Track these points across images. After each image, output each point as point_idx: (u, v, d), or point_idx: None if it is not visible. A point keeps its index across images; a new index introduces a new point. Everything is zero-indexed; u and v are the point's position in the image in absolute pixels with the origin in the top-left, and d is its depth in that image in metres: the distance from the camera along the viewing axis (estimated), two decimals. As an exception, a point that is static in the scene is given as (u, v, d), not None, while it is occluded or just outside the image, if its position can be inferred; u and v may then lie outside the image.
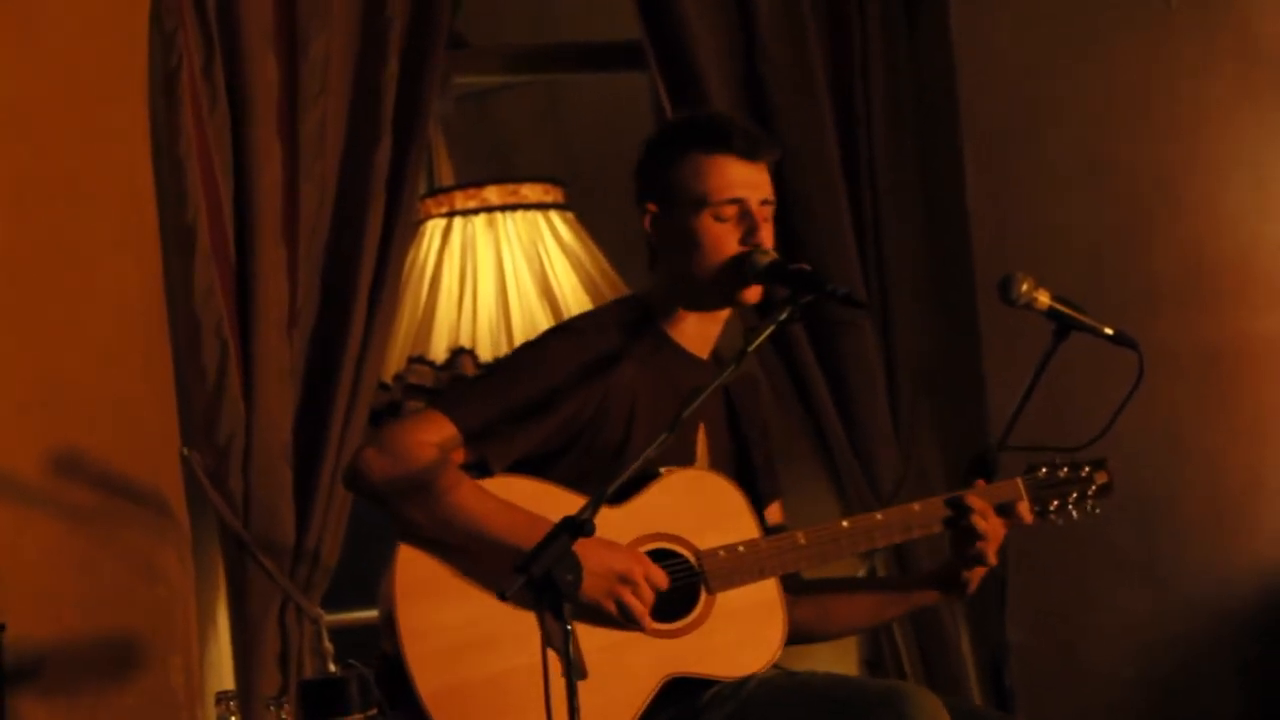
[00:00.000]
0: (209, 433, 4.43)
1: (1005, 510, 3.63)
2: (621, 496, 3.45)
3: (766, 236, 3.55)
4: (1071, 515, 3.71)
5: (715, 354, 3.69)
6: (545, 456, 3.52)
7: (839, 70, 5.09)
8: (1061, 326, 3.64)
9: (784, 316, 3.38)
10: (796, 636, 3.69)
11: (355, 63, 4.60)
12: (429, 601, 3.40)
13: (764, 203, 3.57)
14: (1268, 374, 5.07)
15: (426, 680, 3.36)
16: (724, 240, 3.54)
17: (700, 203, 3.53)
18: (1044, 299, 3.63)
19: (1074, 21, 5.13)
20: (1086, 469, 3.72)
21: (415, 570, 3.41)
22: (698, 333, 3.63)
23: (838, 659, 4.99)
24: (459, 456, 3.46)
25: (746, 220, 3.54)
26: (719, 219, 3.53)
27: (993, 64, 5.17)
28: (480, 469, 3.48)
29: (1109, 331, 3.66)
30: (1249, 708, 5.07)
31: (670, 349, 3.61)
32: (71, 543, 4.27)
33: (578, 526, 3.07)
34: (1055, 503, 3.69)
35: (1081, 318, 3.64)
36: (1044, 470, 3.69)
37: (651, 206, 3.60)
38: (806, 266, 3.46)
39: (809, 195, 4.99)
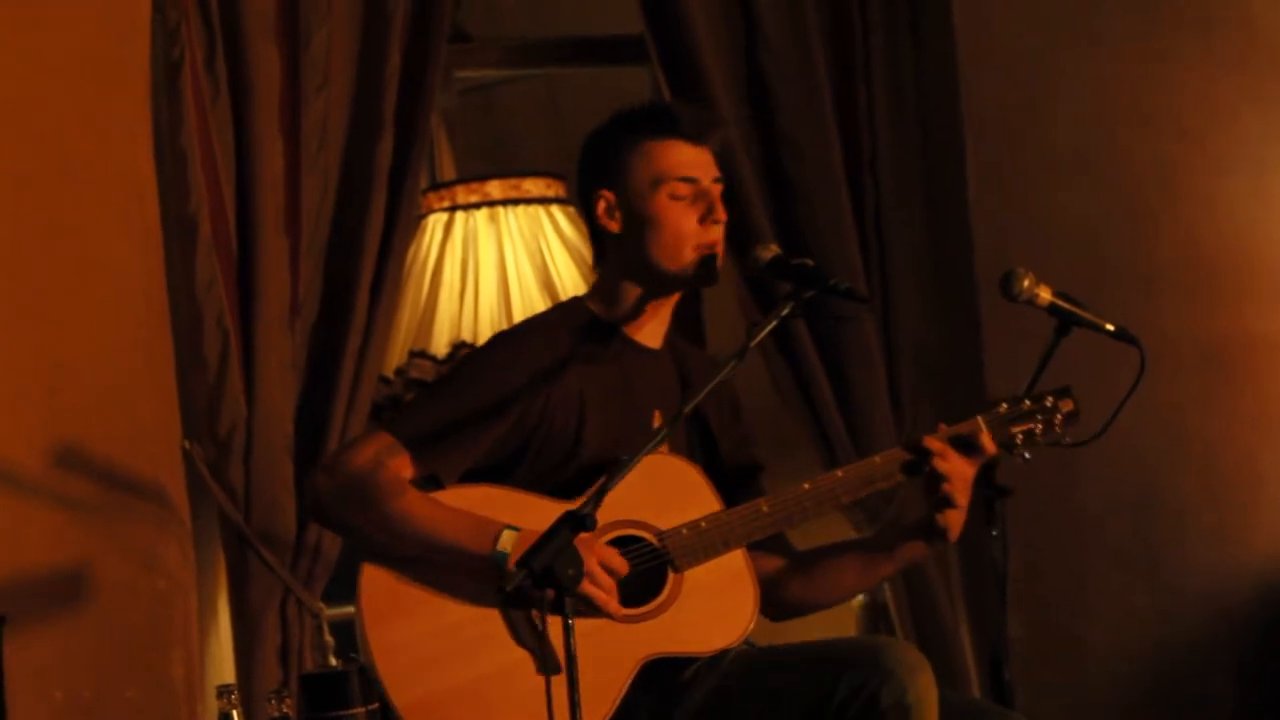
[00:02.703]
0: (210, 425, 4.42)
1: (967, 447, 3.58)
2: (578, 490, 3.45)
3: (721, 212, 3.58)
4: (1040, 445, 3.67)
5: (669, 342, 3.69)
6: (500, 463, 3.54)
7: (841, 63, 5.10)
8: (1063, 322, 3.64)
9: (786, 311, 3.39)
10: (793, 609, 3.72)
11: (357, 56, 4.60)
12: (396, 617, 3.43)
13: (716, 180, 3.61)
14: (1268, 370, 5.08)
15: (403, 694, 3.39)
16: (682, 219, 3.56)
17: (655, 183, 3.56)
18: (1045, 295, 3.63)
19: (1077, 16, 5.14)
20: (1050, 399, 3.65)
21: (379, 588, 3.45)
22: (649, 323, 3.65)
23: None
24: (408, 472, 3.48)
25: (704, 199, 3.58)
26: (675, 198, 3.56)
27: (995, 58, 5.17)
28: (432, 482, 3.50)
29: (1110, 328, 3.65)
30: (1247, 702, 5.08)
31: (620, 343, 3.63)
32: (72, 535, 4.27)
33: (579, 520, 3.09)
34: (1020, 436, 3.64)
35: (1083, 314, 3.63)
36: (1004, 405, 3.65)
37: (606, 194, 3.61)
38: (809, 261, 3.47)
39: (810, 187, 5.00)
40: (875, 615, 5.04)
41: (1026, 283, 3.61)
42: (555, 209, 4.90)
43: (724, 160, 3.67)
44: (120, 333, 4.38)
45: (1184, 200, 5.10)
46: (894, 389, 5.08)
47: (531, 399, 3.52)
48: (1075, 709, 5.07)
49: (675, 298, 3.67)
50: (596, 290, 3.68)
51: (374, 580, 3.45)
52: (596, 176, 3.63)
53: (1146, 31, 5.09)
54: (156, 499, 4.35)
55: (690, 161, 3.58)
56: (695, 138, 3.59)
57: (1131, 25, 5.11)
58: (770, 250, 3.54)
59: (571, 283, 4.81)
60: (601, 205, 3.62)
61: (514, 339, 3.63)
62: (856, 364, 5.00)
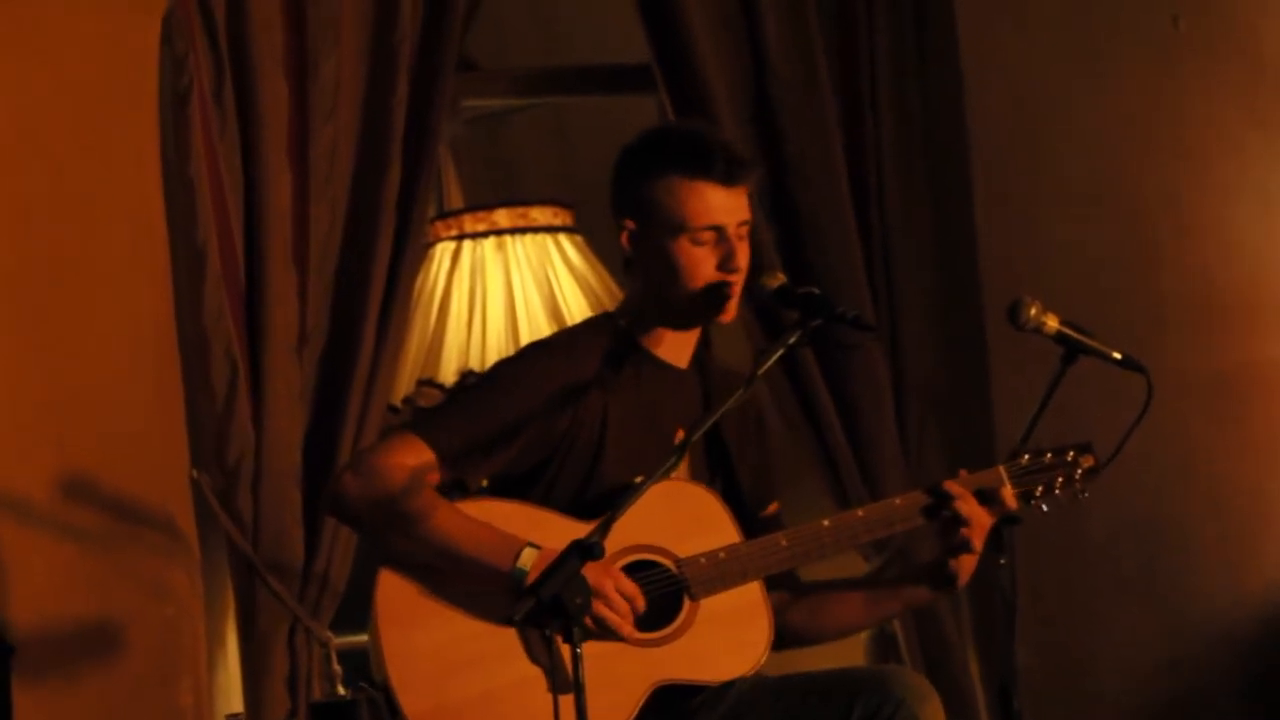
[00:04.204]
0: (218, 454, 4.43)
1: (988, 498, 3.59)
2: (599, 510, 3.44)
3: (743, 259, 3.56)
4: (1058, 500, 3.69)
5: (695, 360, 3.69)
6: (520, 476, 3.55)
7: (848, 93, 5.10)
8: (1069, 351, 3.64)
9: (793, 340, 3.39)
10: (792, 640, 3.70)
11: (365, 85, 4.61)
12: (411, 625, 3.43)
13: (741, 224, 3.57)
14: (1276, 397, 5.08)
15: (414, 703, 3.39)
16: (701, 265, 3.54)
17: (678, 228, 3.53)
18: (1052, 323, 3.63)
19: (1083, 45, 5.14)
20: (1071, 453, 3.68)
21: (396, 595, 3.45)
22: (675, 344, 3.64)
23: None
24: (435, 477, 3.48)
25: (724, 245, 3.54)
26: (696, 243, 3.53)
27: (1001, 87, 5.18)
28: (457, 488, 3.50)
29: (1117, 356, 3.66)
30: (1253, 728, 5.08)
31: (647, 363, 3.62)
32: (80, 564, 4.28)
33: (587, 549, 3.09)
34: (1040, 489, 3.66)
35: (1090, 342, 3.64)
36: (1027, 456, 3.66)
37: (629, 223, 3.60)
38: (815, 290, 3.47)
39: (817, 215, 5.00)
40: (884, 644, 5.04)
41: (1033, 311, 3.62)
42: (563, 237, 4.90)
43: (756, 199, 3.65)
44: (128, 363, 4.40)
45: (1191, 228, 5.10)
46: (901, 417, 5.08)
47: (559, 412, 3.52)
48: (1083, 735, 5.07)
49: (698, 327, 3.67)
50: (625, 306, 3.69)
51: (391, 586, 3.45)
52: (621, 202, 3.62)
53: (1152, 59, 5.10)
54: (165, 528, 4.36)
55: (718, 206, 3.54)
56: (727, 180, 3.55)
57: (1137, 53, 5.12)
58: (776, 279, 3.53)
59: (579, 311, 4.81)
60: (624, 234, 3.61)
61: (546, 351, 3.64)
62: (863, 391, 5.00)
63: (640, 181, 3.59)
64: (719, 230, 3.54)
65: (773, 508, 3.77)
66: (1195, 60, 5.07)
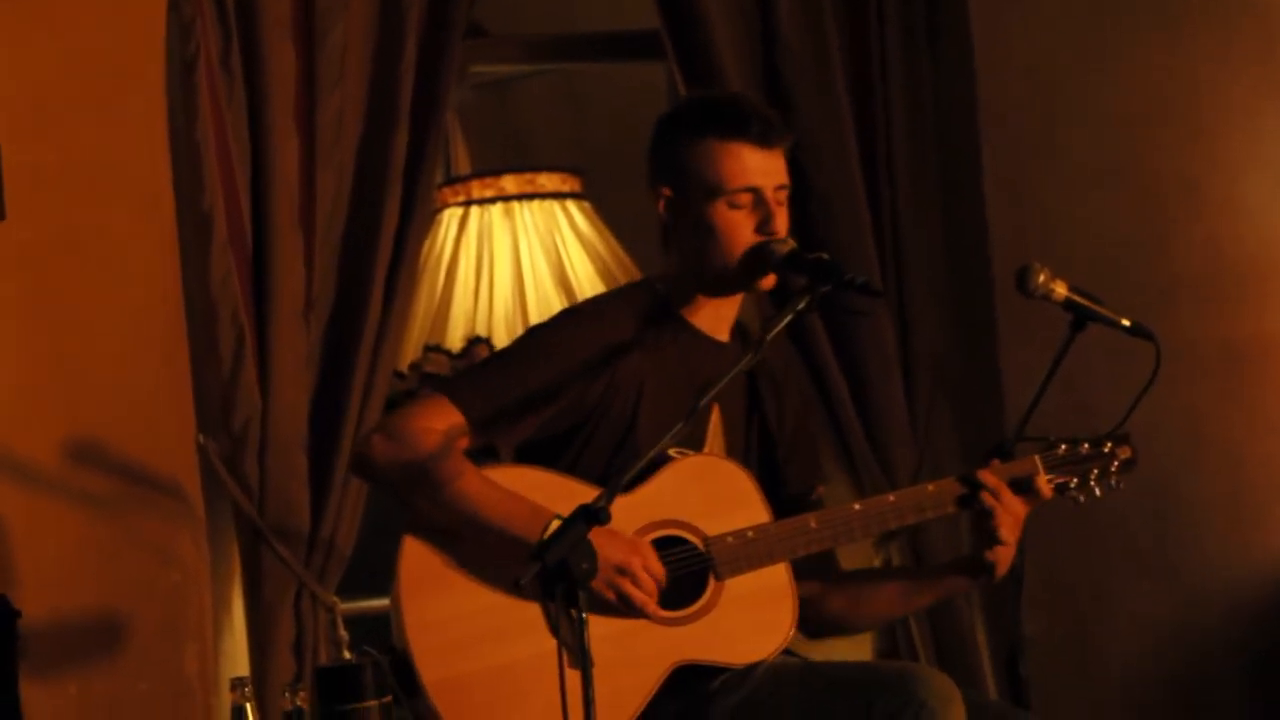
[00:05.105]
0: (225, 419, 4.42)
1: (1023, 487, 3.59)
2: (629, 484, 3.41)
3: (781, 223, 3.54)
4: (1094, 492, 3.68)
5: (736, 334, 3.67)
6: (551, 442, 3.53)
7: (858, 64, 5.09)
8: (1078, 318, 3.63)
9: (801, 305, 3.37)
10: (829, 628, 3.70)
11: (373, 51, 4.59)
12: (433, 594, 3.41)
13: (779, 188, 3.55)
14: (1288, 371, 5.07)
15: (431, 672, 3.38)
16: (739, 228, 3.53)
17: (715, 191, 3.52)
18: (1061, 290, 3.62)
19: (1094, 19, 5.13)
20: (1108, 445, 3.67)
21: (420, 562, 3.43)
22: (714, 315, 3.62)
23: (853, 650, 4.98)
24: (465, 442, 3.46)
25: (762, 208, 3.53)
26: (733, 206, 3.52)
27: (1012, 61, 5.17)
28: (487, 453, 3.48)
29: (1126, 323, 3.65)
30: (1263, 703, 5.06)
31: (687, 334, 3.60)
32: (87, 529, 4.27)
33: (593, 514, 3.08)
34: (1075, 480, 3.65)
35: (1099, 309, 3.63)
36: (1063, 447, 3.65)
37: (666, 190, 3.58)
38: (824, 255, 3.46)
39: (827, 189, 4.99)
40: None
41: (1042, 277, 3.61)
42: (570, 204, 4.90)
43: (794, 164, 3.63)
44: (136, 329, 4.39)
45: (1202, 202, 5.08)
46: (910, 390, 5.08)
47: (593, 379, 3.50)
48: (1090, 707, 5.06)
49: (738, 296, 3.64)
50: (665, 276, 3.66)
51: (415, 554, 3.43)
52: (658, 170, 3.60)
53: (1163, 32, 5.08)
54: (171, 493, 4.35)
55: (754, 168, 3.52)
56: (763, 141, 3.53)
57: (1148, 26, 5.10)
58: (786, 244, 3.52)
59: (586, 278, 4.81)
60: (661, 201, 3.59)
61: (582, 316, 3.61)
62: (871, 359, 4.99)
63: (675, 148, 3.57)
64: (756, 192, 3.52)
65: (819, 491, 3.76)
66: (1207, 34, 5.06)
